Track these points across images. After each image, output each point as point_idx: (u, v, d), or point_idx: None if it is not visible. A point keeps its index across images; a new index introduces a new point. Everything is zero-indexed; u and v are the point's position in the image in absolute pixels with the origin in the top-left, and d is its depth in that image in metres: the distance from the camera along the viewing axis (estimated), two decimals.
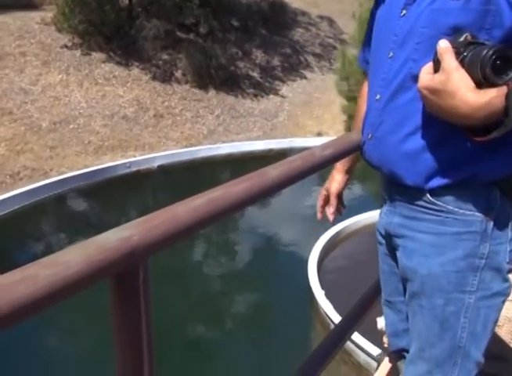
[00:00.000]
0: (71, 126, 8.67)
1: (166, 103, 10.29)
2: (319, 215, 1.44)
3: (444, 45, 0.92)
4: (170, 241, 0.66)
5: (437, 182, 1.03)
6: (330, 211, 1.42)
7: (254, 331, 4.55)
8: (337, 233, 5.55)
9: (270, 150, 9.48)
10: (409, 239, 1.09)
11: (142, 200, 7.86)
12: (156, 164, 8.41)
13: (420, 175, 1.04)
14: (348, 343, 3.58)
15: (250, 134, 10.34)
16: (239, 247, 6.25)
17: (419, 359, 1.12)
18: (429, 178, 1.03)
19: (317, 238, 5.29)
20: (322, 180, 1.47)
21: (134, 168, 8.12)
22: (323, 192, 1.44)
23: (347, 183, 1.44)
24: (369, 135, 1.15)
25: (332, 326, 3.97)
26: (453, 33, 0.94)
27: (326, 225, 5.78)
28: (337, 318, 3.92)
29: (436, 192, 1.04)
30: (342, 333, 1.61)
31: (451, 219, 1.03)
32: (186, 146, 9.33)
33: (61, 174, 7.45)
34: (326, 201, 1.43)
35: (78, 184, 7.36)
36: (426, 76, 0.94)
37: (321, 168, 1.16)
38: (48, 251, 5.02)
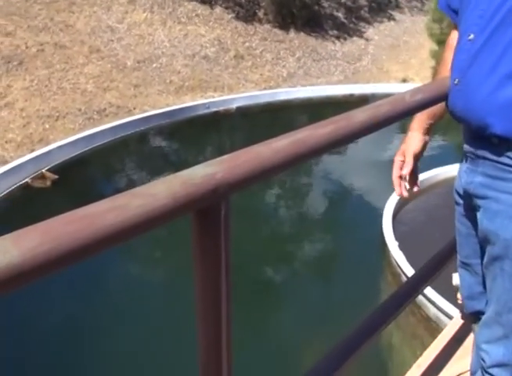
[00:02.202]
0: (154, 65, 8.83)
1: (247, 44, 10.16)
2: (397, 191, 1.24)
3: None
4: (252, 180, 0.66)
5: None
6: (405, 184, 1.23)
7: (324, 275, 4.60)
8: None
9: (351, 96, 9.18)
10: (492, 200, 1.01)
11: (220, 140, 7.99)
12: (234, 106, 8.45)
13: None
14: (419, 296, 3.53)
15: (331, 78, 10.04)
16: (314, 192, 6.24)
17: (495, 323, 1.08)
18: None
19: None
20: (406, 129, 1.37)
21: (213, 109, 8.22)
22: (399, 158, 1.24)
23: (425, 146, 1.25)
24: (456, 81, 1.05)
25: (403, 277, 3.92)
26: None
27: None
28: (409, 270, 3.87)
29: None
30: (414, 287, 1.58)
31: None
32: (265, 89, 9.25)
33: (144, 112, 7.70)
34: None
35: (159, 122, 7.59)
36: None
37: (409, 114, 1.10)
38: (131, 185, 5.28)
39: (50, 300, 3.83)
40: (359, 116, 0.90)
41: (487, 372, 1.11)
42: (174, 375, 3.12)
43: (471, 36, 1.01)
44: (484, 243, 1.08)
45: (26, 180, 5.71)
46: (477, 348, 1.15)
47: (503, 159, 0.99)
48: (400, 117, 1.06)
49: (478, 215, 1.07)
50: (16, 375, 3.24)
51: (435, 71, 1.28)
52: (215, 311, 0.68)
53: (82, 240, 0.46)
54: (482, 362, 1.12)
